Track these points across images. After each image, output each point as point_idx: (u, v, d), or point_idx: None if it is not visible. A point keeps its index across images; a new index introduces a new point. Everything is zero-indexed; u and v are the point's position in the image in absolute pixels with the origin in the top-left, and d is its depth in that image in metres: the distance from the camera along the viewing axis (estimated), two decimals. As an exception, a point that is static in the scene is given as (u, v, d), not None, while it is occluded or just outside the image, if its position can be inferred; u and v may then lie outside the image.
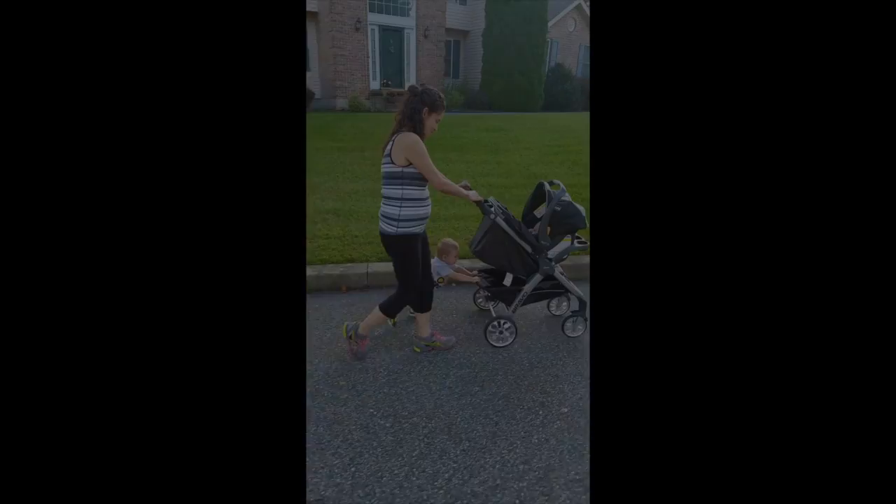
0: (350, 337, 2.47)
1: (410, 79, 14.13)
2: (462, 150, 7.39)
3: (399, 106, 2.17)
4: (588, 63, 17.46)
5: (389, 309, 2.38)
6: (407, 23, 13.57)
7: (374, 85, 13.33)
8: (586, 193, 5.17)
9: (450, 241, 2.85)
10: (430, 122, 2.16)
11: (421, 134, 2.11)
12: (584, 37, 16.87)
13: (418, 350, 2.54)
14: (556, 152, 7.35)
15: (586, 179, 5.82)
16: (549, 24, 15.18)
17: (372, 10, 12.86)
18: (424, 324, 2.50)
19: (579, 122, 10.42)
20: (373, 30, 13.04)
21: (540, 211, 2.71)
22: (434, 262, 2.69)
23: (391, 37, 13.52)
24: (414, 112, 2.11)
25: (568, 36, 16.42)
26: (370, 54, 13.08)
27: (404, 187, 2.12)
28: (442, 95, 2.20)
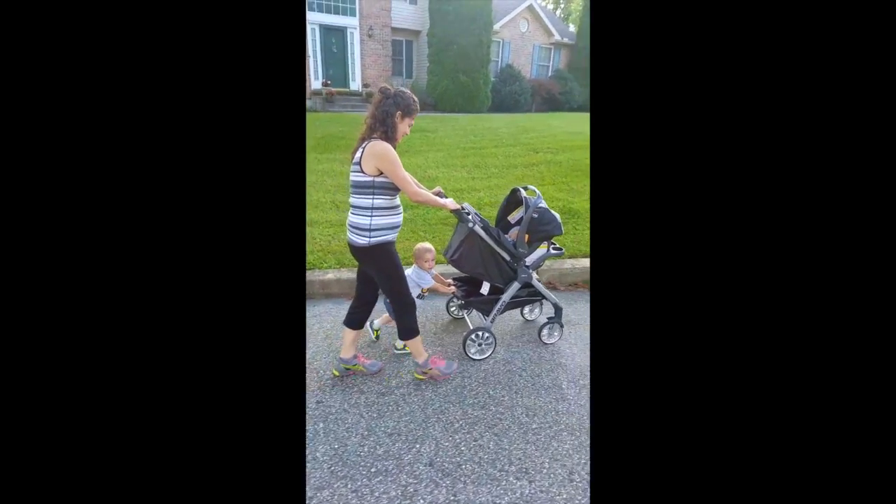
0: (421, 374, 2.32)
1: (355, 78, 13.90)
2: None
3: (370, 109, 2.01)
4: (542, 63, 17.38)
5: (404, 332, 2.23)
6: (350, 22, 13.33)
7: (315, 84, 13.06)
8: (475, 197, 5.02)
9: (425, 244, 2.63)
10: (403, 127, 2.04)
11: (392, 139, 1.99)
12: (539, 37, 16.77)
13: (336, 374, 2.34)
14: (465, 154, 7.17)
15: (482, 183, 5.66)
16: (498, 24, 15.06)
17: (312, 10, 12.60)
18: (349, 343, 2.31)
19: (512, 123, 10.26)
20: (313, 29, 12.78)
21: (514, 217, 2.69)
22: (411, 272, 2.49)
23: (333, 36, 13.28)
24: (386, 116, 1.97)
25: (521, 36, 16.29)
26: (311, 53, 12.82)
27: (375, 197, 1.98)
28: (415, 99, 2.05)
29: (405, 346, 2.39)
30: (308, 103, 12.38)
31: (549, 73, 17.28)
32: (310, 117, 10.37)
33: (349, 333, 2.29)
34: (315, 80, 13.14)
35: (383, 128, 1.97)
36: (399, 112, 1.99)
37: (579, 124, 10.32)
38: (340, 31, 13.32)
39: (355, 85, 13.87)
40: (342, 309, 2.88)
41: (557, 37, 16.84)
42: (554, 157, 7.05)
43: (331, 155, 6.75)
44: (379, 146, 1.92)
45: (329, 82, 13.04)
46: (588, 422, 2.08)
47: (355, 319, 2.30)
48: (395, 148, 1.98)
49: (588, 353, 2.66)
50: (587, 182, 5.57)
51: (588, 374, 2.46)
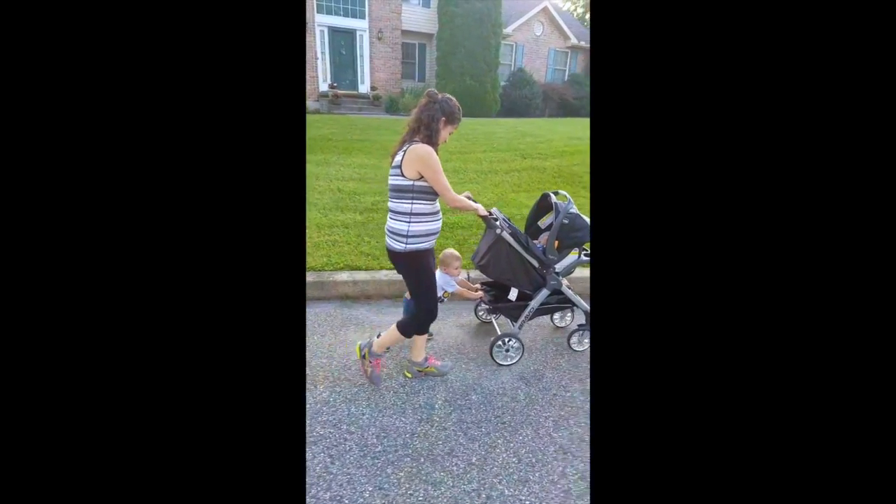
0: (364, 357, 2.29)
1: (364, 81, 13.87)
2: (338, 151, 6.98)
3: (413, 113, 2.00)
4: (559, 68, 16.95)
5: (406, 329, 2.20)
6: (359, 25, 13.32)
7: (323, 87, 13.10)
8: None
9: (452, 251, 2.70)
10: (444, 134, 2.01)
11: (434, 144, 1.94)
12: (554, 41, 16.37)
13: (409, 376, 2.37)
14: (448, 158, 6.91)
15: (455, 188, 5.40)
16: (511, 27, 14.79)
17: (321, 12, 12.66)
18: (420, 347, 2.33)
19: (513, 128, 9.95)
20: (322, 31, 12.83)
21: (544, 222, 2.65)
22: (437, 275, 2.45)
23: (342, 38, 13.29)
24: (431, 120, 1.93)
25: (535, 40, 15.94)
26: (318, 56, 12.86)
27: (414, 202, 1.94)
28: (460, 107, 2.04)
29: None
30: (314, 105, 12.42)
31: (566, 78, 16.84)
32: (317, 119, 10.36)
33: (418, 339, 2.28)
34: (323, 82, 13.17)
35: (427, 132, 1.93)
36: (444, 118, 1.95)
37: (584, 130, 9.91)
38: (350, 34, 13.32)
39: (364, 88, 13.84)
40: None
41: (574, 40, 16.39)
42: (542, 163, 6.73)
43: (315, 156, 6.63)
44: (422, 149, 1.86)
45: (335, 85, 13.05)
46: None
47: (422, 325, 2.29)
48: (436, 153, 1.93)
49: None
50: (568, 189, 5.25)
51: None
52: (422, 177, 1.89)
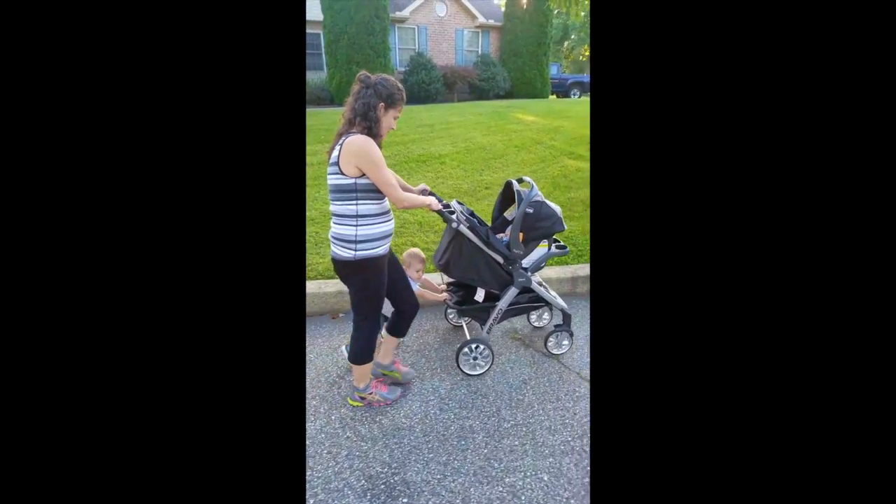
0: (362, 398, 2.07)
1: (257, 75, 13.31)
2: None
3: (348, 101, 1.73)
4: (470, 49, 16.50)
5: (357, 353, 1.96)
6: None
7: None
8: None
9: (415, 251, 2.47)
10: (388, 120, 1.76)
11: (376, 136, 1.71)
12: (461, 20, 15.89)
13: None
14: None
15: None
16: (408, 9, 14.29)
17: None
18: (389, 349, 2.16)
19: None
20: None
21: (510, 213, 2.41)
22: None
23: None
24: (368, 108, 1.68)
25: (439, 21, 15.44)
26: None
27: (360, 202, 1.70)
28: (400, 87, 1.77)
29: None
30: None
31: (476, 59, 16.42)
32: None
33: (390, 340, 2.13)
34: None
35: (365, 122, 1.69)
36: (382, 103, 1.71)
37: (459, 114, 9.59)
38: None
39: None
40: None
41: (482, 19, 15.93)
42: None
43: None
44: (358, 142, 1.63)
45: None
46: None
47: (399, 327, 2.10)
48: (379, 145, 1.71)
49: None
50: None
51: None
52: (363, 173, 1.65)
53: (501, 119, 9.11)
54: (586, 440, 1.87)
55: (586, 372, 2.34)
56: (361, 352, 1.95)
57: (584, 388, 2.22)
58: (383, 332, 2.21)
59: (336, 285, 2.92)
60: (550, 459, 1.77)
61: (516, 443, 1.86)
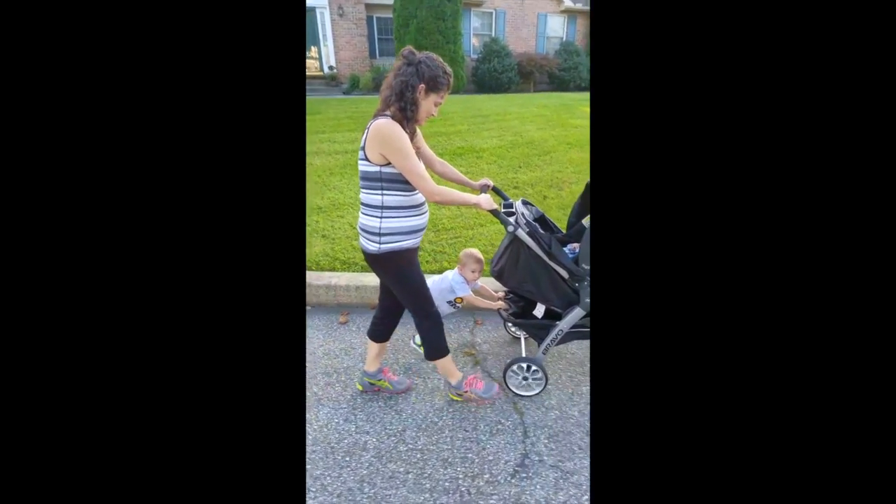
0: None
1: (331, 61, 13.41)
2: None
3: (386, 78, 1.55)
4: (553, 35, 15.24)
5: (430, 351, 1.85)
6: (318, 2, 12.80)
7: (280, 69, 12.85)
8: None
9: (472, 251, 2.15)
10: (428, 105, 1.53)
11: (412, 119, 1.51)
12: (545, 5, 14.68)
13: (360, 388, 2.04)
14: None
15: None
16: (486, -8, 13.44)
17: (275, -10, 12.33)
18: (374, 357, 1.98)
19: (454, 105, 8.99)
20: (277, 11, 12.52)
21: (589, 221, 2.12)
22: (451, 275, 2.14)
23: (301, 17, 12.89)
24: (405, 87, 1.47)
25: (520, 5, 14.38)
26: (274, 37, 12.61)
27: (385, 192, 1.54)
28: (447, 70, 1.53)
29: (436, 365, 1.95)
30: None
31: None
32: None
33: (373, 346, 1.96)
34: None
35: (400, 103, 1.47)
36: (423, 85, 1.48)
37: (522, 105, 8.73)
38: (309, 12, 12.87)
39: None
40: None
41: (569, 3, 14.59)
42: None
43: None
44: (384, 126, 1.44)
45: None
46: None
47: (378, 331, 1.94)
48: (414, 130, 1.54)
49: None
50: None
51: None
52: (389, 161, 1.47)
53: (567, 113, 8.10)
54: (486, 478, 1.64)
55: (523, 403, 2.00)
56: (433, 349, 1.83)
57: (513, 419, 1.91)
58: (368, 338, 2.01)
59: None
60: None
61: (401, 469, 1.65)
